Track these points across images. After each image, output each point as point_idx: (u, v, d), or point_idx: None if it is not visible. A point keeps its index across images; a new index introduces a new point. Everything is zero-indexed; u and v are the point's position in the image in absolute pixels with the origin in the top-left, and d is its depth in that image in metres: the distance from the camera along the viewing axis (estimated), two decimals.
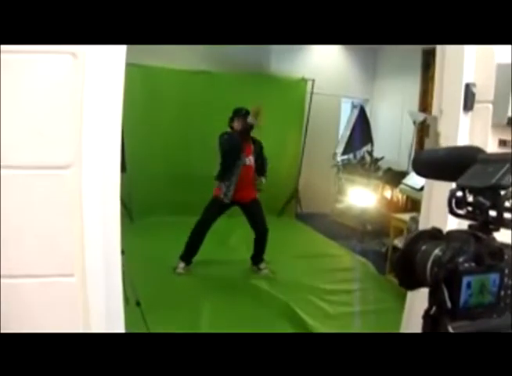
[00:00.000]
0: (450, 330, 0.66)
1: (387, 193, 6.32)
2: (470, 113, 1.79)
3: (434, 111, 1.95)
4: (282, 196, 6.91)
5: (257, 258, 4.48)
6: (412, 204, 5.30)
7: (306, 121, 6.99)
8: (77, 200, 1.40)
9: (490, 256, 0.66)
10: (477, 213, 0.68)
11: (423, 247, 0.73)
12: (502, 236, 0.71)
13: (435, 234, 0.76)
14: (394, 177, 5.99)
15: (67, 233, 1.40)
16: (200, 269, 4.38)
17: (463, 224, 0.73)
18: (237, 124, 4.28)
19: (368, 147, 6.98)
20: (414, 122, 5.80)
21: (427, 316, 0.69)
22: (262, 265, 4.47)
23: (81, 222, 1.41)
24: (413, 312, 1.99)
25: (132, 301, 2.82)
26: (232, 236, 5.37)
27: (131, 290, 2.76)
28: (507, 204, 0.65)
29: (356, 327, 3.44)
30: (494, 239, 0.69)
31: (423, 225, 1.99)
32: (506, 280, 0.69)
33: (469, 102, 1.77)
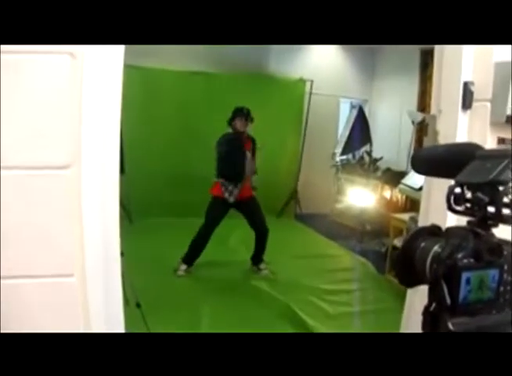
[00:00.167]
0: (450, 326, 0.66)
1: (387, 193, 6.32)
2: (468, 111, 1.80)
3: (433, 110, 1.95)
4: (281, 196, 6.93)
5: (257, 258, 4.48)
6: (412, 204, 5.30)
7: (305, 121, 7.00)
8: (76, 200, 1.40)
9: (489, 252, 0.66)
10: (475, 209, 0.68)
11: (423, 244, 0.73)
12: (502, 232, 0.71)
13: (434, 231, 0.76)
14: (394, 177, 5.99)
15: (66, 233, 1.40)
16: (200, 270, 4.38)
17: (462, 222, 0.73)
18: (240, 124, 4.27)
19: (367, 147, 6.99)
20: (413, 122, 5.82)
21: (426, 312, 0.69)
22: (262, 266, 4.47)
23: (80, 222, 1.41)
24: (413, 311, 1.99)
25: (132, 303, 2.82)
26: (231, 237, 5.37)
27: (131, 291, 2.76)
28: (506, 199, 0.65)
29: (356, 326, 3.45)
30: (493, 235, 0.69)
31: (423, 224, 1.99)
32: (505, 276, 0.69)
33: (467, 100, 1.77)
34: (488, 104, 1.76)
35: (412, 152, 5.93)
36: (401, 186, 5.06)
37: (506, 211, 0.66)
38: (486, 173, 0.67)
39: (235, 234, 5.33)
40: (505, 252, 0.68)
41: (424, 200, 2.01)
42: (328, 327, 3.32)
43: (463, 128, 1.80)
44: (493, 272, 0.68)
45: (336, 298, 3.96)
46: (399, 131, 6.67)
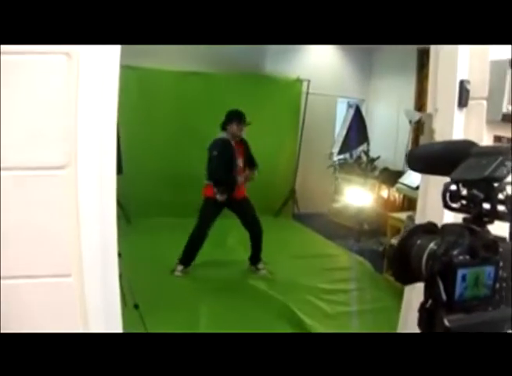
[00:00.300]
0: (446, 322, 0.66)
1: (384, 192, 6.34)
2: (464, 109, 1.80)
3: (429, 109, 1.96)
4: (279, 196, 6.93)
5: (255, 257, 4.48)
6: (409, 203, 5.31)
7: (302, 121, 7.00)
8: (73, 201, 1.40)
9: (484, 249, 0.67)
10: (471, 206, 0.68)
11: (419, 242, 0.74)
12: (498, 229, 0.71)
13: (430, 228, 0.76)
14: (391, 176, 6.01)
15: (64, 233, 1.40)
16: (198, 270, 4.38)
17: (459, 220, 0.73)
18: (236, 129, 4.25)
19: (364, 147, 6.99)
20: (410, 121, 5.82)
21: (422, 309, 0.69)
22: (260, 265, 4.47)
23: (77, 223, 1.41)
24: (411, 309, 1.99)
25: (130, 304, 2.82)
26: (228, 237, 5.37)
27: (129, 292, 2.76)
28: (501, 196, 0.66)
29: (355, 326, 3.45)
30: (488, 231, 0.69)
31: (420, 222, 1.99)
32: (501, 272, 0.69)
33: (463, 98, 1.78)
34: (484, 102, 1.77)
35: None
36: (398, 185, 5.07)
37: (501, 207, 0.66)
38: (481, 170, 0.67)
39: (232, 234, 5.33)
40: (501, 249, 0.68)
41: (421, 199, 2.01)
42: (326, 327, 3.32)
43: (460, 126, 1.81)
44: (489, 269, 0.68)
45: (334, 297, 3.96)
46: (396, 131, 6.68)
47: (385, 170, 6.57)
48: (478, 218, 0.68)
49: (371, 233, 5.99)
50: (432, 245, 0.70)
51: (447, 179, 0.72)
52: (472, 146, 0.75)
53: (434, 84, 1.92)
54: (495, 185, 0.66)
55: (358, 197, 6.20)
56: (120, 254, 1.60)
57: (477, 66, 1.77)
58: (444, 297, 0.65)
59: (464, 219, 0.71)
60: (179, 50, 5.28)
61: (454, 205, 0.71)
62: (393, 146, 6.71)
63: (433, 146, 0.92)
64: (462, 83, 1.77)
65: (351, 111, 7.02)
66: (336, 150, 7.04)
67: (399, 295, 2.20)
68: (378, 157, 6.84)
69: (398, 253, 0.76)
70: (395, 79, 7.00)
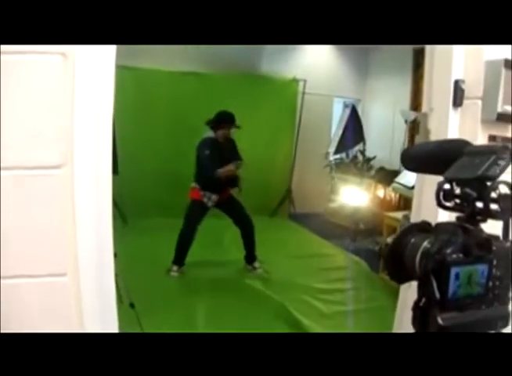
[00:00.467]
0: (439, 321, 0.66)
1: (380, 191, 6.35)
2: (459, 109, 1.81)
3: (424, 108, 1.96)
4: (275, 196, 6.92)
5: (250, 255, 4.48)
6: (405, 203, 5.32)
7: (298, 121, 7.00)
8: (69, 200, 1.39)
9: (478, 247, 0.67)
10: (464, 205, 0.69)
11: (412, 240, 0.74)
12: (491, 227, 0.71)
13: (424, 227, 0.76)
14: (387, 176, 6.02)
15: (59, 232, 1.40)
16: (194, 270, 4.37)
17: (454, 219, 0.73)
18: (227, 132, 4.24)
19: (360, 146, 7.00)
20: (406, 121, 5.84)
21: (416, 307, 0.70)
22: (256, 264, 4.47)
23: (73, 222, 1.41)
24: (406, 308, 2.00)
25: (126, 303, 2.81)
26: (224, 236, 5.36)
27: (125, 292, 2.76)
28: (493, 194, 0.66)
29: (351, 325, 3.45)
30: (481, 230, 0.69)
31: (415, 221, 2.00)
32: (494, 271, 0.69)
33: (458, 98, 1.79)
34: (479, 102, 1.78)
35: None
36: (394, 184, 5.08)
37: (494, 206, 0.66)
38: (474, 169, 0.68)
39: (228, 234, 5.32)
40: (494, 247, 0.68)
41: (416, 198, 2.02)
42: (322, 326, 3.32)
43: (454, 125, 1.81)
44: (482, 268, 0.68)
45: (330, 296, 3.96)
46: (392, 131, 6.69)
47: (381, 169, 6.59)
48: (471, 217, 0.69)
49: (367, 232, 6.00)
50: (426, 244, 0.71)
51: (441, 178, 0.72)
52: (465, 145, 0.76)
53: (430, 83, 1.93)
54: (488, 184, 0.67)
55: (355, 196, 6.21)
56: (116, 255, 1.60)
57: (471, 66, 1.78)
58: (437, 295, 0.66)
59: (458, 218, 0.71)
60: (175, 50, 5.27)
61: (447, 204, 0.72)
62: (389, 146, 6.72)
63: (427, 146, 0.93)
64: (457, 83, 1.78)
65: (348, 111, 7.03)
66: (332, 149, 7.04)
67: (395, 295, 2.21)
68: (374, 157, 6.86)
69: (392, 252, 0.76)
70: (391, 79, 7.02)
